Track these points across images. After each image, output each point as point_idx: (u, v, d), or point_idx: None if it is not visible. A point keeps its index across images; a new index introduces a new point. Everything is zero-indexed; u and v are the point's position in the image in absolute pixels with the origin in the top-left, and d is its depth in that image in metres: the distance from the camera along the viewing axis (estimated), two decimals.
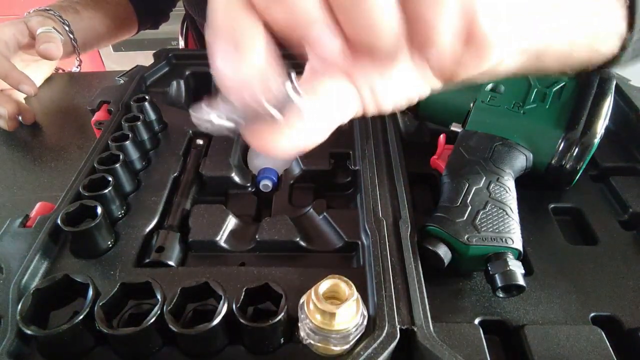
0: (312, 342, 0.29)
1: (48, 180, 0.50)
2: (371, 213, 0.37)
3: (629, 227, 0.40)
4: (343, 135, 0.49)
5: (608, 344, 0.31)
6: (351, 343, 0.29)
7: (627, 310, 0.33)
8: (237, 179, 0.45)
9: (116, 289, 0.30)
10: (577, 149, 0.38)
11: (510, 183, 0.38)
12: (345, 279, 0.28)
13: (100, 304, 0.29)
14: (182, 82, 0.58)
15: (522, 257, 0.35)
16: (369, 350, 0.28)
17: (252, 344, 0.30)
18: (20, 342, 0.29)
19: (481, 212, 0.36)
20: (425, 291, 0.32)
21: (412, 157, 0.46)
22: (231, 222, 0.40)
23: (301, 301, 0.29)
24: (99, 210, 0.36)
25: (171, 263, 0.37)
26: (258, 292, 0.30)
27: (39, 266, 0.35)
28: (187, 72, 0.59)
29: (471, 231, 0.35)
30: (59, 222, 0.35)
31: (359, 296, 0.28)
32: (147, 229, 0.39)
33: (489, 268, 0.34)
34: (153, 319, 0.28)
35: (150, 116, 0.49)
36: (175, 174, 0.45)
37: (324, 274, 0.29)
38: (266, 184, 0.45)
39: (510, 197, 0.37)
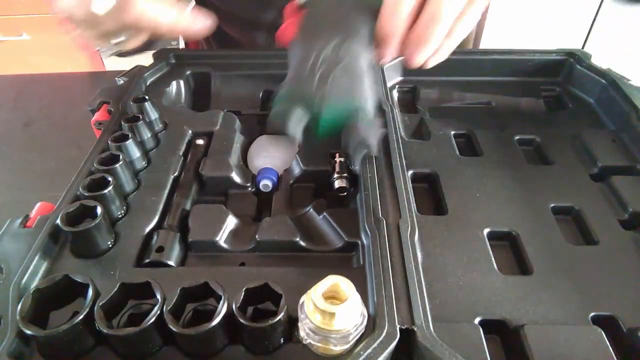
0: (312, 342, 0.29)
1: (48, 180, 0.50)
2: (371, 213, 0.37)
3: (629, 227, 0.40)
4: None
5: (608, 344, 0.31)
6: (351, 343, 0.29)
7: (627, 310, 0.33)
8: (237, 179, 0.45)
9: (116, 289, 0.30)
10: None
11: (363, 40, 0.36)
12: (345, 279, 0.28)
13: (100, 304, 0.29)
14: (182, 82, 0.58)
15: (374, 115, 0.35)
16: (369, 350, 0.28)
17: (252, 344, 0.30)
18: (20, 342, 0.29)
19: (331, 77, 0.34)
20: (425, 291, 0.32)
21: (412, 157, 0.46)
22: (231, 222, 0.40)
23: (301, 301, 0.29)
24: (99, 210, 0.36)
25: (171, 263, 0.37)
26: (258, 292, 0.30)
27: (39, 266, 0.35)
28: (187, 72, 0.59)
29: (323, 93, 0.33)
30: (59, 222, 0.35)
31: (359, 296, 0.28)
32: (147, 229, 0.39)
33: (344, 141, 0.34)
34: (153, 319, 0.28)
35: (150, 116, 0.49)
36: (175, 174, 0.45)
37: (324, 274, 0.29)
38: (266, 184, 0.45)
39: (362, 57, 0.36)
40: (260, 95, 0.57)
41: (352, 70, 0.34)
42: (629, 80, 0.52)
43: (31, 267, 0.34)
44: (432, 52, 0.38)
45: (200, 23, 0.46)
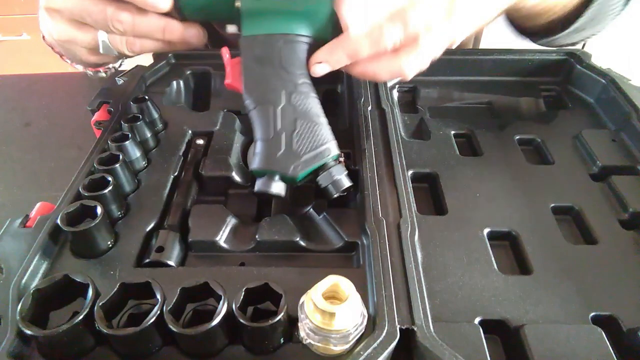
0: (312, 342, 0.29)
1: (48, 180, 0.50)
2: (371, 213, 0.37)
3: (629, 227, 0.40)
4: (343, 135, 0.49)
5: (608, 344, 0.31)
6: (351, 343, 0.29)
7: (627, 310, 0.33)
8: (237, 178, 0.45)
9: (116, 289, 0.30)
10: None
11: (307, 86, 0.38)
12: (345, 279, 0.28)
13: (100, 304, 0.29)
14: (182, 82, 0.58)
15: (341, 156, 0.39)
16: (369, 350, 0.28)
17: (252, 344, 0.30)
18: (20, 342, 0.29)
19: (294, 134, 0.37)
20: (425, 291, 0.32)
21: (412, 157, 0.46)
22: (231, 222, 0.40)
23: (301, 301, 0.29)
24: (99, 210, 0.36)
25: (171, 263, 0.37)
26: (258, 292, 0.30)
27: (39, 266, 0.35)
28: (187, 72, 0.59)
29: (294, 159, 0.37)
30: (59, 222, 0.35)
31: (359, 296, 0.28)
32: (147, 229, 0.39)
33: (319, 183, 0.38)
34: (153, 319, 0.28)
35: (150, 116, 0.49)
36: (175, 174, 0.45)
37: (324, 274, 0.29)
38: None
39: (313, 101, 0.38)
40: None
41: (309, 115, 0.38)
42: (629, 80, 0.52)
43: (31, 267, 0.34)
44: None
45: (192, 34, 0.45)
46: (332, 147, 0.38)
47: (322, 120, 0.38)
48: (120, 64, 0.65)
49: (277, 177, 0.38)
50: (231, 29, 0.40)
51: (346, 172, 0.39)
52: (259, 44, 0.39)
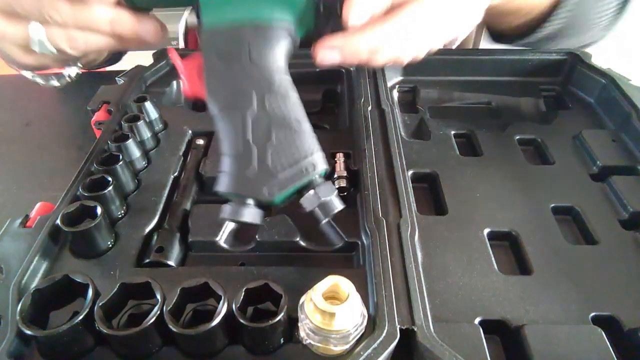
0: (312, 342, 0.29)
1: (48, 180, 0.50)
2: (371, 213, 0.37)
3: (629, 227, 0.40)
4: (343, 135, 0.49)
5: (608, 344, 0.31)
6: (351, 343, 0.29)
7: (627, 310, 0.33)
8: None
9: (116, 289, 0.30)
10: None
11: (284, 83, 0.31)
12: (345, 279, 0.28)
13: (100, 304, 0.29)
14: (182, 82, 0.58)
15: (329, 171, 0.32)
16: (369, 351, 0.28)
17: (252, 344, 0.30)
18: (20, 342, 0.29)
19: (269, 147, 0.30)
20: (425, 291, 0.32)
21: (412, 157, 0.46)
22: (231, 222, 0.40)
23: (301, 301, 0.29)
24: (99, 210, 0.36)
25: (171, 263, 0.37)
26: (258, 292, 0.30)
27: (39, 266, 0.35)
28: None
29: (268, 179, 0.30)
30: (58, 222, 0.35)
31: (359, 296, 0.28)
32: (147, 229, 0.39)
33: (303, 206, 0.30)
34: (153, 319, 0.28)
35: (150, 116, 0.49)
36: (175, 174, 0.45)
37: (324, 274, 0.29)
38: None
39: (292, 104, 0.31)
40: None
41: (288, 122, 0.30)
42: (629, 80, 0.52)
43: (31, 267, 0.34)
44: None
45: (147, 29, 0.38)
46: (317, 161, 0.30)
47: (305, 127, 0.31)
48: (77, 74, 0.54)
49: (250, 201, 0.31)
50: (190, 19, 0.33)
51: (336, 191, 0.31)
52: (222, 36, 0.31)
